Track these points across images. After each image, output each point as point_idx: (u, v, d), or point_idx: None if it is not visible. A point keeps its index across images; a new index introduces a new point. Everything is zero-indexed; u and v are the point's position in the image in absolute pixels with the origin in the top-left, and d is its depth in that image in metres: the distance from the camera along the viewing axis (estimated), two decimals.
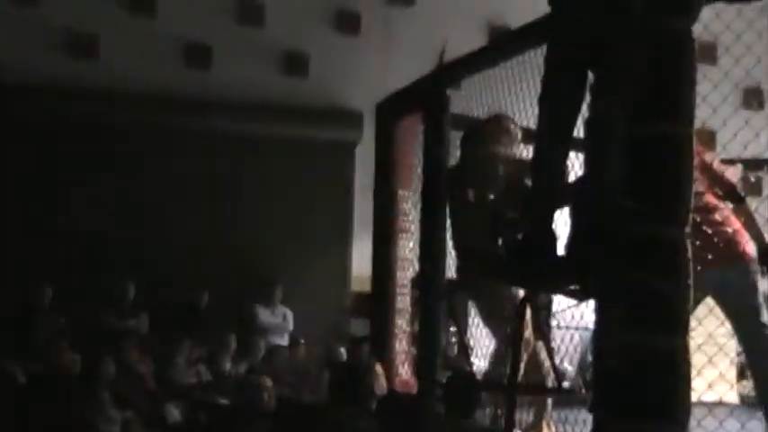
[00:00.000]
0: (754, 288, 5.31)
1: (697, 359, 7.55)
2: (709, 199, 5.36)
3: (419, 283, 6.26)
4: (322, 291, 11.36)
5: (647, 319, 3.64)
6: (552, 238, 3.97)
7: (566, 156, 4.19)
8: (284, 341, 10.64)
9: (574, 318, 5.41)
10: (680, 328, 3.67)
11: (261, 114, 11.53)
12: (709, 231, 5.28)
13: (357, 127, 11.40)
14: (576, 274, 3.97)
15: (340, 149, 11.75)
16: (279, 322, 10.92)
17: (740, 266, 5.30)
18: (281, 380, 8.06)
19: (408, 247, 6.63)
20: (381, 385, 5.19)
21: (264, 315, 10.93)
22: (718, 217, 5.35)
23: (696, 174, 5.37)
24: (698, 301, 5.48)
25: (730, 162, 7.33)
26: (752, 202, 7.84)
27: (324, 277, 11.46)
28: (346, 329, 11.13)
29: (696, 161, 5.39)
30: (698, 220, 5.19)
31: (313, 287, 11.29)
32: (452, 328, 7.53)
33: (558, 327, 5.84)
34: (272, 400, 6.49)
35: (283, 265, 11.33)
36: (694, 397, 7.50)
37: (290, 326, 10.94)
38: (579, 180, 3.99)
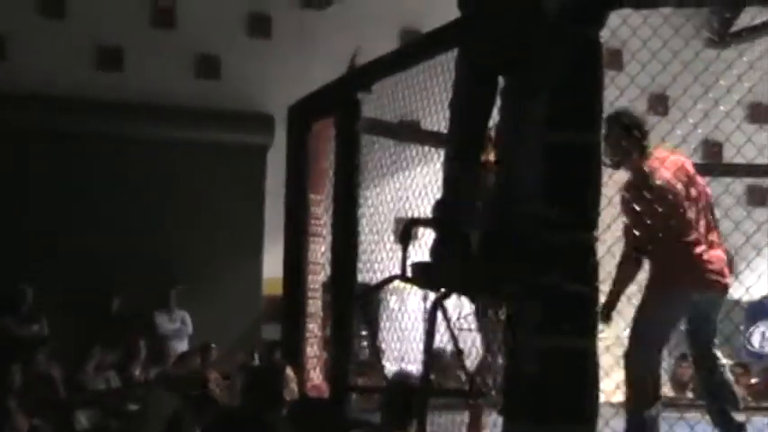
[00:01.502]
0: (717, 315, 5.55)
1: (605, 361, 7.70)
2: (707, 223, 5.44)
3: (331, 286, 6.26)
4: (235, 295, 11.31)
5: (557, 322, 3.67)
6: (464, 241, 3.98)
7: (477, 159, 4.21)
8: (185, 346, 10.57)
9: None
10: (590, 331, 3.72)
11: (173, 118, 11.45)
12: (713, 254, 5.39)
13: (269, 131, 11.38)
14: (487, 278, 3.99)
15: (252, 153, 11.71)
16: (177, 327, 10.86)
17: (720, 296, 5.50)
18: None
19: (320, 251, 6.63)
20: (292, 390, 5.16)
21: (162, 321, 10.85)
22: (716, 241, 5.45)
23: (700, 196, 5.42)
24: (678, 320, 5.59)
25: None
26: None
27: (236, 281, 11.41)
28: (259, 333, 11.10)
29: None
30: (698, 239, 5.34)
31: (226, 291, 11.23)
32: (363, 332, 7.55)
33: (469, 329, 5.87)
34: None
35: (196, 269, 11.25)
36: (602, 398, 7.61)
37: (190, 330, 10.88)
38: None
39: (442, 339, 6.08)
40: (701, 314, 5.52)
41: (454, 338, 4.64)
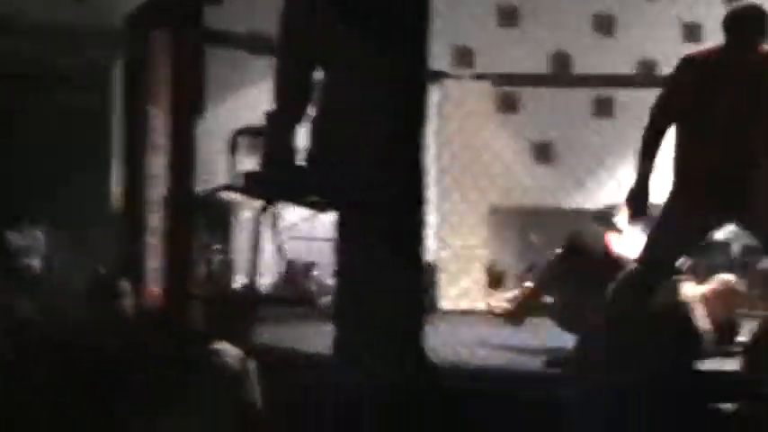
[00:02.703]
0: None
1: (454, 267, 7.83)
2: None
3: (170, 199, 6.16)
4: (83, 212, 11.17)
5: (381, 235, 3.70)
6: (291, 150, 3.97)
7: (308, 71, 4.17)
8: (38, 263, 10.60)
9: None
10: (414, 247, 3.77)
11: (11, 33, 11.08)
12: None
13: (118, 45, 11.09)
14: (316, 187, 3.98)
15: (99, 68, 11.46)
16: (29, 244, 10.87)
17: None
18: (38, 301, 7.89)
19: (159, 164, 6.50)
20: (128, 304, 5.09)
21: (14, 238, 10.85)
22: None
23: None
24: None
25: (481, 77, 7.53)
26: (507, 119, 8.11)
27: (84, 199, 11.26)
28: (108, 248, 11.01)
29: None
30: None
31: (73, 209, 11.09)
32: (217, 246, 7.51)
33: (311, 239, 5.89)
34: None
35: (43, 189, 11.06)
36: (450, 305, 7.76)
37: (42, 247, 10.88)
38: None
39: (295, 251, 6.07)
40: None
41: (280, 248, 4.64)
